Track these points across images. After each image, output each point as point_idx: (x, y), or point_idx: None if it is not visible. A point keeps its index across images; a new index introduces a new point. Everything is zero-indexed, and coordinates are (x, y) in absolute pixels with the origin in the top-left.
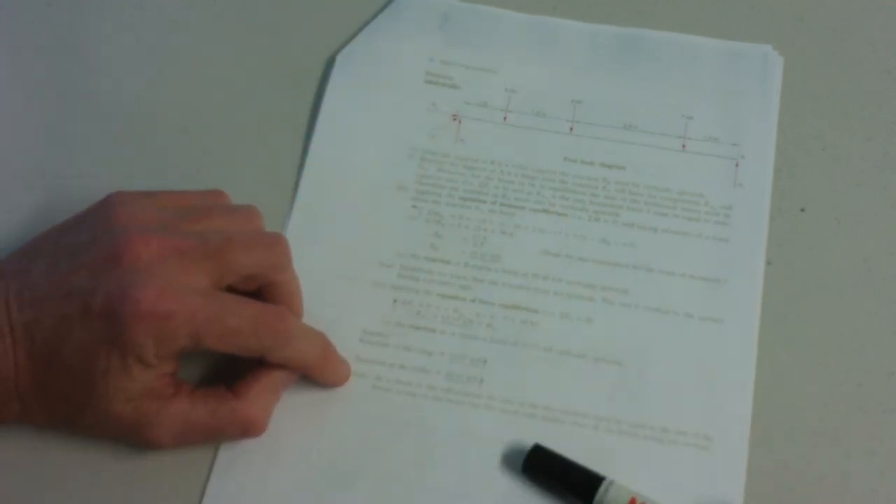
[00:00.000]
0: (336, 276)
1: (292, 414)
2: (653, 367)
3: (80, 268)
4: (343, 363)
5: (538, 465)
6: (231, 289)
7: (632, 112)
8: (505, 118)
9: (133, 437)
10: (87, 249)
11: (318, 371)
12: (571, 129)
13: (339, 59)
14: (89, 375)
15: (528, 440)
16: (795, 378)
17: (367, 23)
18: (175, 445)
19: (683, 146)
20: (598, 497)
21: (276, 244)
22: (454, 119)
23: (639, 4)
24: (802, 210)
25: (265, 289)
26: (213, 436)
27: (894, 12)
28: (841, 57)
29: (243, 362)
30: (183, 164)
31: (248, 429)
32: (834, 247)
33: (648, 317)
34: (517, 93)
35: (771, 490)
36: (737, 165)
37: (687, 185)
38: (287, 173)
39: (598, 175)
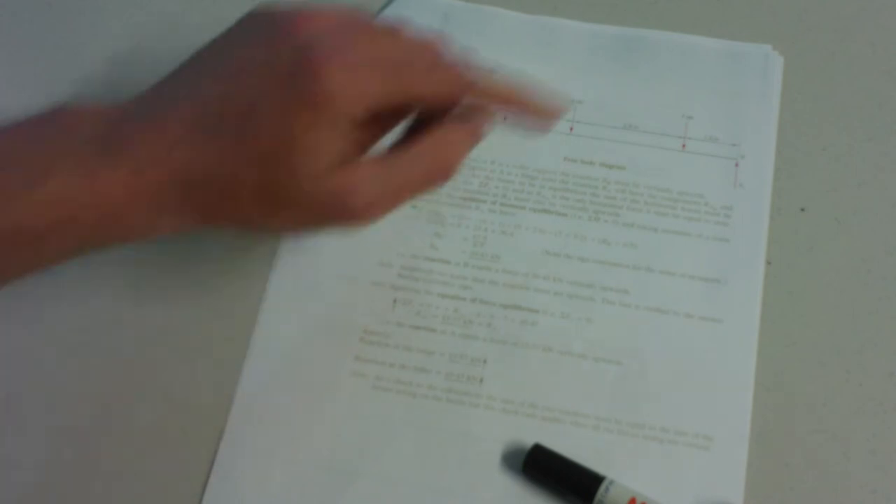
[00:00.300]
0: (336, 276)
1: (292, 414)
2: (653, 367)
3: (256, 46)
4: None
5: (538, 464)
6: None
7: (632, 112)
8: (505, 118)
9: (337, 211)
10: (255, 35)
11: (529, 96)
12: (571, 129)
13: None
14: (280, 147)
15: (528, 440)
16: (795, 378)
17: None
18: (379, 209)
19: (683, 146)
20: (598, 497)
21: (439, 38)
22: None
23: (639, 4)
24: (802, 210)
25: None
26: (403, 192)
27: (894, 12)
28: (841, 57)
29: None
30: None
31: (434, 176)
32: (834, 247)
33: (648, 317)
34: None
35: (771, 490)
36: (737, 165)
37: (687, 185)
38: None
39: (599, 175)
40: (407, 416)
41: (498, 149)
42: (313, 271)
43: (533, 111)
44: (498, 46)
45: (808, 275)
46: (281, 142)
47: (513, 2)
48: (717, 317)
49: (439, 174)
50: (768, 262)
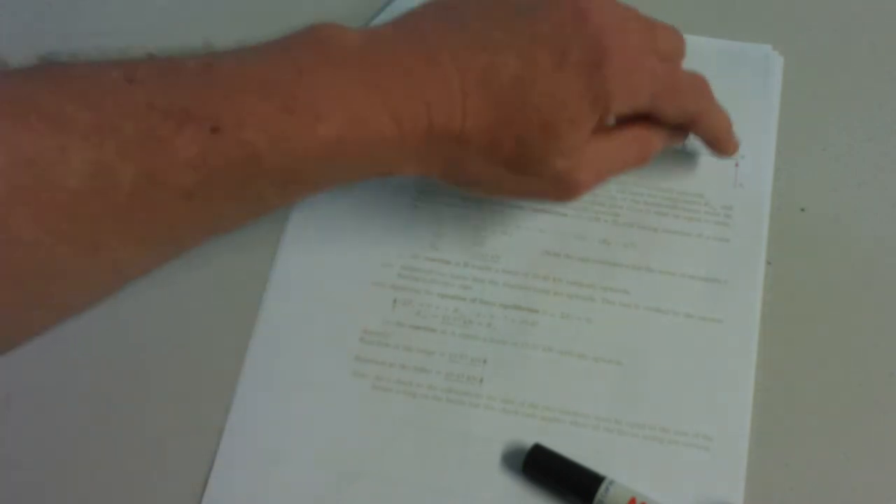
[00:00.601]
0: (336, 276)
1: (292, 414)
2: (653, 367)
3: (539, 22)
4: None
5: (538, 464)
6: None
7: None
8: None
9: (563, 185)
10: (545, 9)
11: (729, 141)
12: None
13: None
14: (552, 124)
15: (528, 440)
16: (795, 378)
17: (367, 23)
18: (595, 183)
19: (683, 146)
20: (598, 497)
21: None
22: None
23: (639, 4)
24: (802, 210)
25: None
26: (616, 165)
27: (894, 12)
28: (841, 57)
29: None
30: None
31: (648, 149)
32: (834, 247)
33: (648, 317)
34: None
35: (771, 490)
36: (737, 165)
37: (687, 185)
38: None
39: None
40: (407, 416)
41: None
42: (313, 271)
43: (723, 147)
44: None
45: (808, 275)
46: (555, 121)
47: None
48: (717, 317)
49: (639, 161)
50: (768, 262)
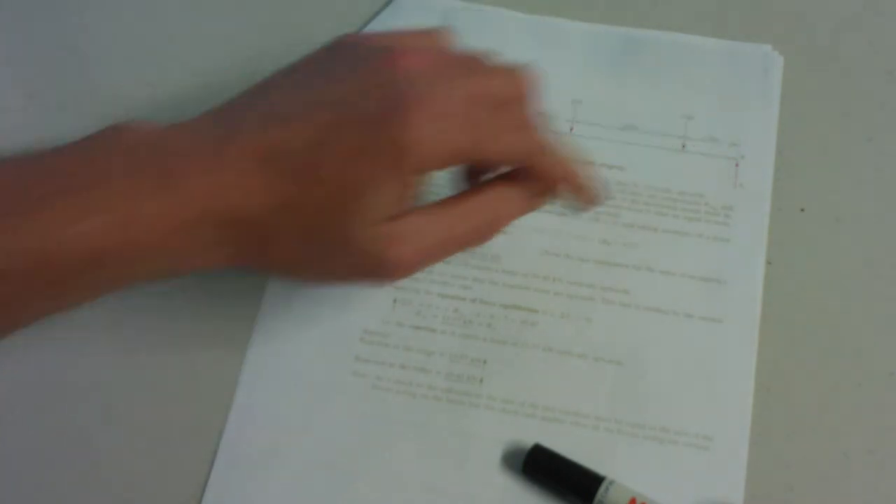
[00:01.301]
0: None
1: (292, 414)
2: (653, 367)
3: (338, 83)
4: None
5: (538, 464)
6: None
7: (632, 112)
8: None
9: (374, 261)
10: (344, 69)
11: (582, 180)
12: (571, 129)
13: None
14: (349, 188)
15: (528, 440)
16: (795, 378)
17: (367, 22)
18: (417, 264)
19: (683, 146)
20: (598, 497)
21: (520, 68)
22: None
23: (639, 4)
24: (802, 210)
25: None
26: (449, 246)
27: (894, 12)
28: (841, 57)
29: None
30: None
31: (482, 232)
32: (834, 247)
33: (648, 317)
34: None
35: (771, 490)
36: (737, 165)
37: (687, 185)
38: None
39: (599, 175)
40: (407, 416)
41: None
42: None
43: (582, 195)
44: (498, 46)
45: (808, 275)
46: (348, 188)
47: (513, 2)
48: (717, 317)
49: (482, 236)
50: (768, 262)
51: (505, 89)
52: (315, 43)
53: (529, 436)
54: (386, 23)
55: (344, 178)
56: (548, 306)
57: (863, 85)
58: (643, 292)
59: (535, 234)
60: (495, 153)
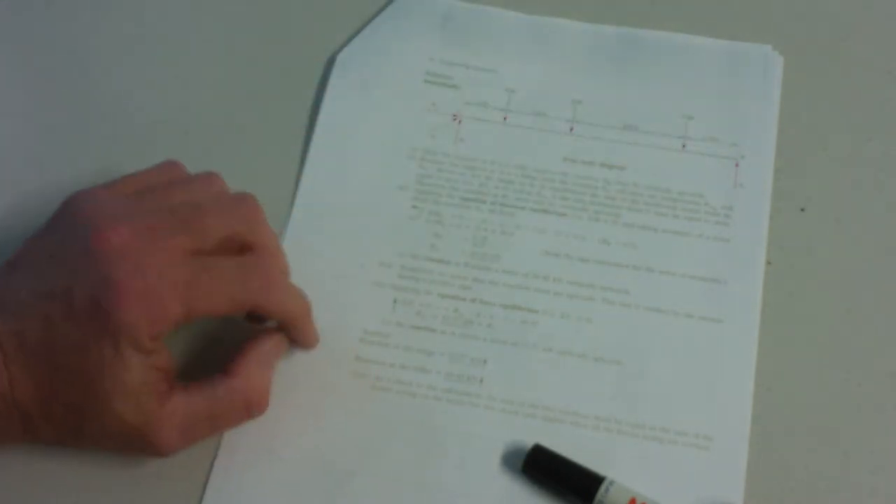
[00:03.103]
0: (336, 276)
1: (292, 414)
2: (653, 367)
3: (55, 268)
4: (315, 330)
5: (538, 465)
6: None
7: (632, 112)
8: (505, 118)
9: (139, 442)
10: (60, 251)
11: (302, 323)
12: (571, 129)
13: (339, 59)
14: (86, 373)
15: (528, 440)
16: (795, 378)
17: (367, 23)
18: (183, 443)
19: (683, 146)
20: (598, 497)
21: (244, 202)
22: (454, 119)
23: (639, 4)
24: (802, 210)
25: (246, 250)
26: (218, 423)
27: (894, 12)
28: (841, 57)
29: (227, 351)
30: (184, 164)
31: (251, 406)
32: (834, 247)
33: (648, 317)
34: (517, 93)
35: (771, 490)
36: (737, 165)
37: (687, 185)
38: (287, 173)
39: (598, 175)
40: (407, 416)
41: (498, 149)
42: (313, 271)
43: (305, 339)
44: (498, 46)
45: (808, 275)
46: (86, 374)
47: (513, 2)
48: (717, 317)
49: (246, 412)
50: (768, 262)
51: (222, 230)
52: (314, 43)
53: (529, 436)
54: (386, 23)
55: (78, 365)
56: (548, 306)
57: (863, 85)
58: (643, 292)
59: (535, 234)
60: (218, 307)
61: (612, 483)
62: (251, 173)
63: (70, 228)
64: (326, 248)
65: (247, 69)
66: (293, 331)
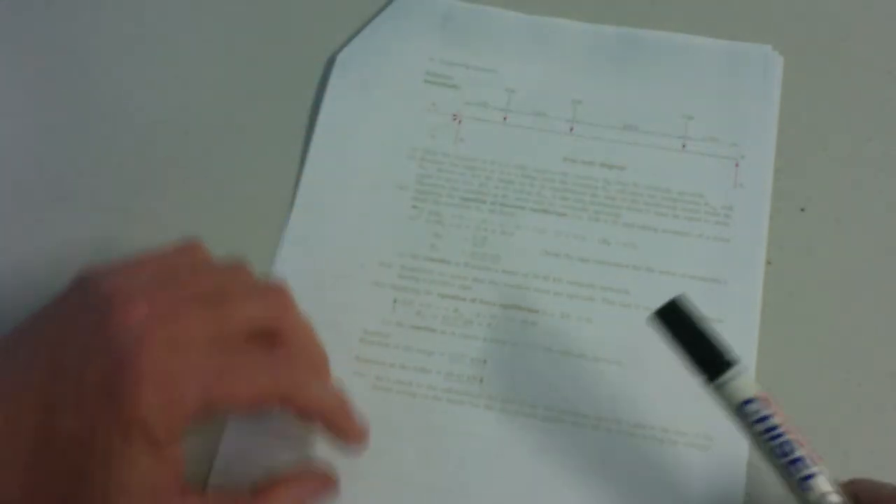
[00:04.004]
0: (336, 276)
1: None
2: (653, 367)
3: (65, 347)
4: (360, 420)
5: (675, 317)
6: None
7: (632, 112)
8: (505, 118)
9: None
10: (71, 328)
11: (340, 419)
12: (571, 129)
13: (339, 59)
14: (87, 466)
15: (528, 440)
16: (795, 378)
17: (367, 23)
18: None
19: (683, 146)
20: (723, 378)
21: (273, 291)
22: (454, 119)
23: (639, 4)
24: (802, 210)
25: (276, 342)
26: None
27: (894, 12)
28: (841, 57)
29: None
30: (183, 164)
31: None
32: (834, 247)
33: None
34: (517, 93)
35: (771, 490)
36: (737, 165)
37: (687, 185)
38: (287, 173)
39: (598, 175)
40: (407, 416)
41: (498, 149)
42: (313, 271)
43: (343, 433)
44: (498, 46)
45: (808, 275)
46: (80, 464)
47: (513, 2)
48: (717, 317)
49: None
50: (768, 262)
51: (250, 319)
52: (314, 43)
53: (529, 436)
54: (386, 23)
55: (80, 456)
56: (548, 306)
57: (863, 85)
58: (643, 292)
59: (535, 234)
60: (237, 402)
61: (744, 370)
62: (251, 173)
63: (84, 304)
64: (326, 248)
65: (247, 69)
66: (331, 428)
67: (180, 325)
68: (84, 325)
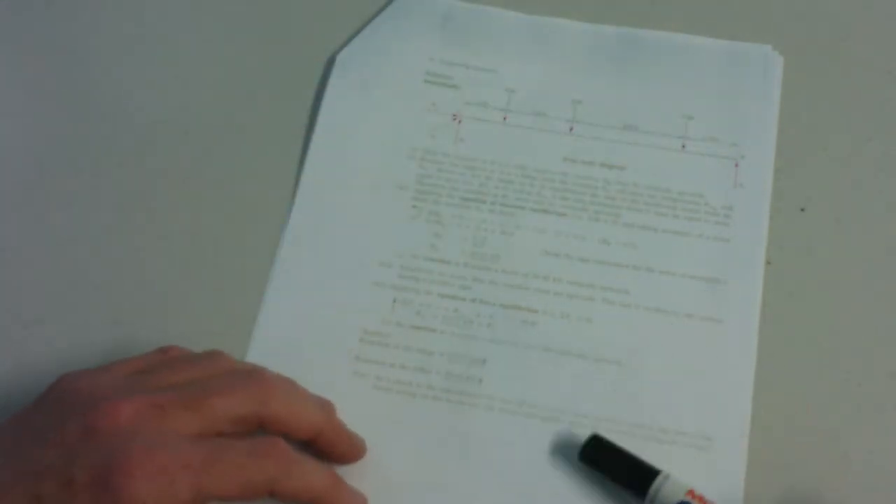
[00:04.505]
0: (336, 276)
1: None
2: (652, 367)
3: (48, 447)
4: (357, 492)
5: (595, 454)
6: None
7: (632, 112)
8: (505, 118)
9: None
10: (51, 431)
11: (334, 498)
12: (571, 129)
13: (339, 59)
14: None
15: (528, 440)
16: (795, 378)
17: (367, 23)
18: None
19: (683, 146)
20: (652, 489)
21: (253, 378)
22: (454, 119)
23: (639, 4)
24: (802, 210)
25: (263, 426)
26: None
27: (894, 12)
28: (841, 57)
29: None
30: (183, 164)
31: None
32: (834, 247)
33: (648, 317)
34: (517, 93)
35: (771, 490)
36: (737, 166)
37: (687, 185)
38: (287, 173)
39: (598, 175)
40: (407, 416)
41: (498, 149)
42: (313, 271)
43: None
44: (498, 46)
45: (808, 275)
46: None
47: (513, 2)
48: (717, 317)
49: None
50: (768, 262)
51: (233, 411)
52: (314, 43)
53: (529, 436)
54: (386, 23)
55: None
56: (548, 306)
57: (863, 85)
58: (643, 292)
59: (535, 234)
60: (226, 496)
61: (667, 477)
62: (251, 173)
63: (62, 407)
64: (326, 248)
65: (247, 69)
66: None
67: (167, 422)
68: (65, 427)
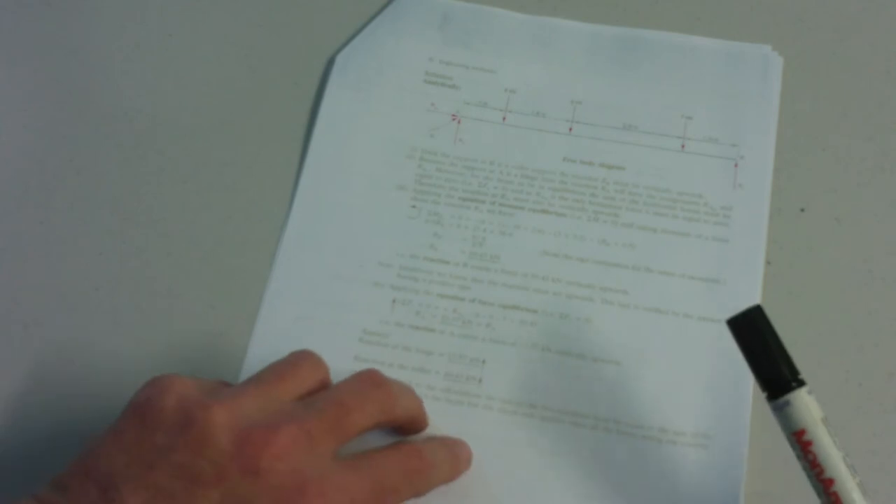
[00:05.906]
0: (336, 276)
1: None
2: (652, 367)
3: (207, 488)
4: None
5: (749, 327)
6: None
7: (631, 112)
8: (504, 118)
9: None
10: (200, 468)
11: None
12: (571, 129)
13: (338, 59)
14: None
15: (528, 440)
16: None
17: (367, 23)
18: None
19: (683, 146)
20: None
21: (377, 389)
22: (454, 119)
23: (639, 4)
24: (802, 210)
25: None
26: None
27: (894, 12)
28: (841, 57)
29: None
30: (183, 164)
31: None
32: (834, 247)
33: (648, 317)
34: (516, 93)
35: (771, 490)
36: (736, 166)
37: (686, 185)
38: (287, 173)
39: (598, 175)
40: None
41: (497, 149)
42: (313, 271)
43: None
44: (498, 46)
45: (808, 275)
46: None
47: (513, 2)
48: (717, 317)
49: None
50: (768, 262)
51: (366, 425)
52: (314, 43)
53: (529, 436)
54: (386, 23)
55: None
56: (547, 306)
57: (863, 85)
58: (642, 292)
59: (535, 234)
60: None
61: (803, 398)
62: (251, 173)
63: (203, 438)
64: (326, 248)
65: (247, 69)
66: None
67: (317, 447)
68: (222, 461)
